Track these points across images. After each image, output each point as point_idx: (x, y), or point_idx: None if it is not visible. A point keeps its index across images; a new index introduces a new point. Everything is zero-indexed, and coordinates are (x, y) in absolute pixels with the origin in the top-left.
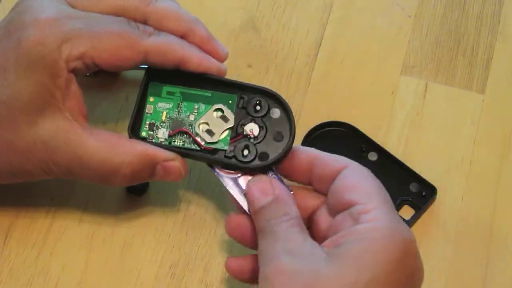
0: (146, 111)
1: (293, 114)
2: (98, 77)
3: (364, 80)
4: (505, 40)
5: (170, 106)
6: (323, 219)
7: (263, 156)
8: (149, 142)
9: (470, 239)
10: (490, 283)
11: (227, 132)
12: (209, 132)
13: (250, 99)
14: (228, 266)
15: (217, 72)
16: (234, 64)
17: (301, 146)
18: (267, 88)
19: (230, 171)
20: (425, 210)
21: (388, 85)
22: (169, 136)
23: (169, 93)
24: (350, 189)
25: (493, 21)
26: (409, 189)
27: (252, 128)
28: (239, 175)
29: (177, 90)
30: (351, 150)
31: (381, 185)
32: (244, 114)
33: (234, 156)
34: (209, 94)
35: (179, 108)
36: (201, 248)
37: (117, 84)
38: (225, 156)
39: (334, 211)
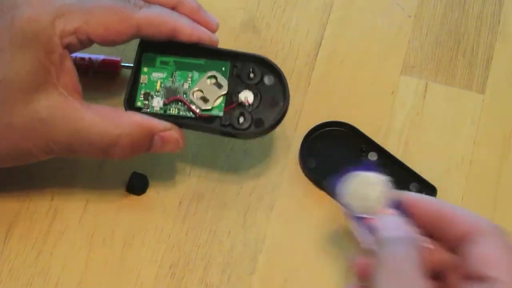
0: (141, 81)
1: (293, 115)
2: (98, 77)
3: (364, 80)
4: (505, 40)
5: (164, 75)
6: (452, 277)
7: (258, 122)
8: (144, 112)
9: None
10: None
11: (221, 99)
12: (204, 99)
13: (243, 66)
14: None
15: (209, 41)
16: None
17: (421, 198)
18: (259, 55)
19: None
20: None
21: (388, 85)
22: (164, 104)
23: (162, 62)
24: (488, 262)
25: (493, 21)
26: (409, 189)
27: (246, 96)
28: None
29: (170, 59)
30: (351, 150)
31: None
32: (238, 82)
33: (230, 124)
34: (202, 62)
35: (173, 77)
36: (201, 248)
37: (117, 84)
38: (221, 124)
39: (465, 276)
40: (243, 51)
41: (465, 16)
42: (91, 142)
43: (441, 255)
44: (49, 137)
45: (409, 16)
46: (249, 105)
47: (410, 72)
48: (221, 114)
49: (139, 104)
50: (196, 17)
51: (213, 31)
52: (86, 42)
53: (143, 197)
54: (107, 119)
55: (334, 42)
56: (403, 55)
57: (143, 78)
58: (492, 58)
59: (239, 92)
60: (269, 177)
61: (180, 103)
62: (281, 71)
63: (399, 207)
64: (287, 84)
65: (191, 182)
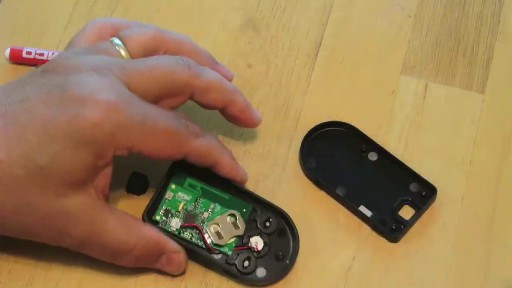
0: (166, 196)
1: (293, 115)
2: None
3: (364, 80)
4: (505, 40)
5: (189, 198)
6: None
7: (261, 271)
8: (160, 228)
9: (470, 239)
10: (490, 283)
11: (234, 239)
12: (218, 234)
13: (262, 213)
14: None
15: (241, 181)
16: (234, 64)
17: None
18: (281, 209)
19: None
20: (425, 210)
21: (388, 85)
22: (181, 227)
23: (191, 185)
24: None
25: (493, 21)
26: (409, 189)
27: (257, 242)
28: None
29: (198, 185)
30: (351, 150)
31: None
32: (253, 226)
33: (235, 264)
34: (227, 198)
35: (196, 203)
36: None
37: None
38: (226, 262)
39: None
40: (267, 200)
41: (465, 16)
42: (106, 246)
43: None
44: (67, 230)
45: (409, 16)
46: (257, 251)
47: (410, 72)
48: (229, 252)
49: (157, 218)
50: (244, 114)
51: (256, 125)
52: (135, 154)
53: (143, 197)
54: (127, 227)
55: (334, 42)
56: (403, 55)
57: (169, 194)
58: (492, 58)
59: (251, 236)
60: (269, 177)
61: (196, 230)
62: (297, 231)
63: None
64: (298, 245)
65: None
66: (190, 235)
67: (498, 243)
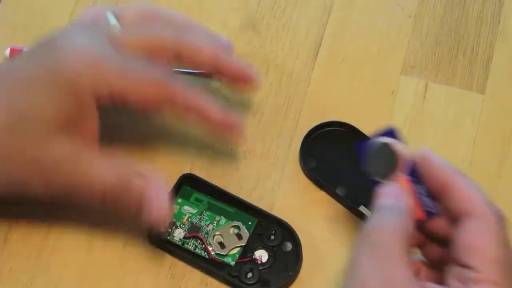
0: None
1: (293, 115)
2: None
3: (364, 80)
4: (505, 40)
5: (195, 211)
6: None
7: (265, 283)
8: (163, 238)
9: None
10: None
11: (237, 249)
12: (221, 245)
13: (267, 227)
14: None
15: (233, 129)
16: None
17: (435, 159)
18: (286, 222)
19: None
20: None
21: (388, 85)
22: (184, 237)
23: (197, 199)
24: (470, 251)
25: (493, 21)
26: None
27: (261, 255)
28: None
29: (205, 199)
30: (351, 150)
31: (508, 242)
32: (258, 239)
33: (237, 276)
34: (233, 211)
35: (202, 216)
36: None
37: None
38: (229, 274)
39: (451, 257)
40: (272, 214)
41: (465, 16)
42: (94, 190)
43: (439, 227)
44: (54, 176)
45: (409, 16)
46: (261, 263)
47: (410, 72)
48: (232, 263)
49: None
50: (238, 73)
51: (254, 82)
52: (119, 104)
53: None
54: (117, 171)
55: (334, 42)
56: (403, 55)
57: (175, 208)
58: (492, 58)
59: (255, 249)
60: (269, 177)
61: (199, 240)
62: (300, 243)
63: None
64: (301, 257)
65: None
66: (194, 246)
67: None
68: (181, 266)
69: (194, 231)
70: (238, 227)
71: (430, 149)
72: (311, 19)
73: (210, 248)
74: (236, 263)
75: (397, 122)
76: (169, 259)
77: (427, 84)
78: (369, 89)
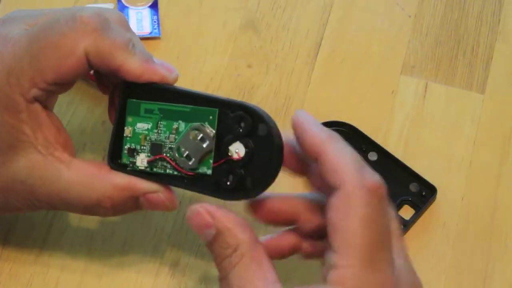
0: (125, 134)
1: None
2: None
3: (364, 80)
4: (505, 40)
5: (149, 126)
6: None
7: (249, 181)
8: (129, 171)
9: (470, 239)
10: (490, 283)
11: (209, 154)
12: (189, 157)
13: (233, 114)
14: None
15: (163, 81)
16: (234, 64)
17: (307, 125)
18: (246, 103)
19: None
20: (425, 210)
21: (388, 85)
22: (148, 162)
23: (147, 110)
24: (332, 228)
25: (493, 21)
26: (409, 189)
27: (237, 148)
28: None
29: (155, 107)
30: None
31: (380, 221)
32: (228, 132)
33: (217, 183)
34: (188, 110)
35: (158, 128)
36: (201, 248)
37: None
38: (209, 183)
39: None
40: (230, 98)
41: (465, 16)
42: (71, 203)
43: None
44: (31, 196)
45: (409, 16)
46: (240, 159)
47: (410, 72)
48: (209, 172)
49: (124, 160)
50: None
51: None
52: (52, 89)
53: None
54: (86, 180)
55: (334, 42)
56: (403, 55)
57: (127, 131)
58: (492, 58)
59: (229, 144)
60: None
61: (165, 161)
62: (270, 121)
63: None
64: (277, 137)
65: None
66: (163, 166)
67: (498, 243)
68: (181, 266)
69: (157, 152)
70: (198, 129)
71: (430, 149)
72: (311, 19)
73: (180, 166)
74: (213, 169)
75: (397, 122)
76: (169, 257)
77: (427, 84)
78: (369, 89)
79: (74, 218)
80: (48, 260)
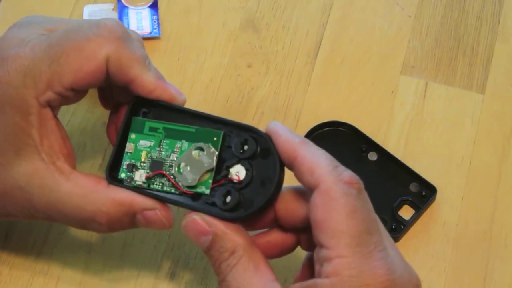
0: (127, 150)
1: (293, 115)
2: None
3: (364, 80)
4: (505, 40)
5: (152, 144)
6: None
7: (247, 203)
8: (127, 186)
9: (470, 239)
10: (490, 283)
11: (209, 174)
12: (188, 175)
13: (237, 137)
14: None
15: (171, 100)
16: (234, 64)
17: (281, 133)
18: (253, 127)
19: None
20: (425, 210)
21: (388, 85)
22: (147, 178)
23: (151, 129)
24: (318, 226)
25: (493, 21)
26: (409, 189)
27: (238, 171)
28: None
29: (160, 125)
30: (351, 150)
31: (363, 210)
32: (230, 154)
33: (214, 203)
34: (193, 130)
35: (161, 147)
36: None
37: None
38: (206, 203)
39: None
40: (236, 121)
41: (465, 16)
42: (67, 214)
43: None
44: (28, 205)
45: (409, 16)
46: (239, 182)
47: (410, 72)
48: (207, 192)
49: (122, 175)
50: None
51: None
52: (67, 94)
53: None
54: (84, 193)
55: (334, 42)
56: (403, 55)
57: (129, 147)
58: (492, 58)
59: (230, 166)
60: None
61: (164, 177)
62: (272, 145)
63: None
64: (280, 164)
65: None
66: (161, 184)
67: (498, 243)
68: (181, 266)
69: (156, 168)
70: (201, 148)
71: (430, 149)
72: (311, 19)
73: (178, 183)
74: (212, 189)
75: (397, 122)
76: (169, 257)
77: (427, 84)
78: (369, 89)
79: None
80: (48, 260)
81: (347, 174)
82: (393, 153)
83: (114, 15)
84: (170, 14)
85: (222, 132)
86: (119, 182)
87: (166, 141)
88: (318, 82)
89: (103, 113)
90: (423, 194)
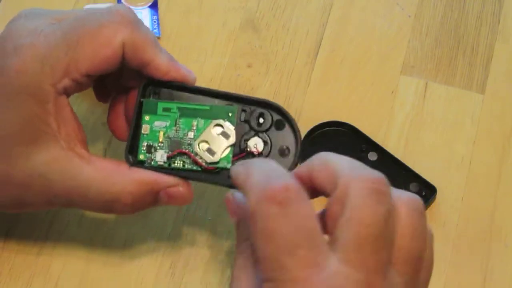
0: (142, 131)
1: (293, 115)
2: None
3: (364, 80)
4: (505, 40)
5: (167, 124)
6: None
7: None
8: (147, 166)
9: (470, 239)
10: (490, 283)
11: (229, 149)
12: (210, 151)
13: (252, 111)
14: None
15: (184, 80)
16: (234, 64)
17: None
18: (268, 100)
19: None
20: (425, 210)
21: (388, 85)
22: (168, 158)
23: (165, 109)
24: (334, 223)
25: (493, 21)
26: (409, 189)
27: (256, 143)
28: None
29: (173, 105)
30: (351, 150)
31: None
32: (247, 128)
33: None
34: (208, 108)
35: (177, 126)
36: (201, 248)
37: None
38: (229, 177)
39: None
40: (250, 96)
41: (465, 16)
42: (91, 198)
43: None
44: (49, 191)
45: (409, 16)
46: (259, 154)
47: (410, 72)
48: (229, 166)
49: (141, 157)
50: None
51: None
52: (83, 81)
53: None
54: (107, 176)
55: (334, 42)
56: (403, 55)
57: (145, 128)
58: (492, 58)
59: (247, 140)
60: None
61: (185, 155)
62: (292, 118)
63: None
64: (298, 131)
65: (191, 183)
66: (182, 162)
67: (498, 243)
68: (181, 266)
69: (176, 147)
70: (220, 125)
71: (430, 149)
72: (311, 19)
73: (200, 160)
74: (233, 163)
75: (397, 122)
76: (169, 257)
77: (427, 84)
78: (369, 89)
79: (75, 218)
80: (48, 260)
81: (368, 171)
82: (393, 153)
83: None
84: (170, 14)
85: (236, 107)
86: (140, 164)
87: (182, 120)
88: (318, 82)
89: (103, 113)
90: (423, 194)
